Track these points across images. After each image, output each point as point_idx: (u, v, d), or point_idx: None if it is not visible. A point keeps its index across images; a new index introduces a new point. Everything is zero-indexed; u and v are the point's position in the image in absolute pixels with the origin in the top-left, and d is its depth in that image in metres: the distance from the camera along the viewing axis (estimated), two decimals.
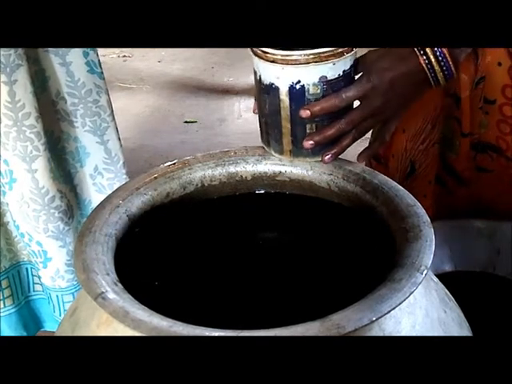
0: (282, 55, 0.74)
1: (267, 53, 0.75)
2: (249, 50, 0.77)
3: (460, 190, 1.07)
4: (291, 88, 0.75)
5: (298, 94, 0.75)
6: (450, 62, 0.77)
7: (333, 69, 0.74)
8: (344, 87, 0.76)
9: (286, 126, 0.77)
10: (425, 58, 0.77)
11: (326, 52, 0.73)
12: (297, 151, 0.79)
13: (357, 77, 0.79)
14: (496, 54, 0.94)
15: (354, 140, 0.80)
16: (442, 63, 0.77)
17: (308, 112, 0.75)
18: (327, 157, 0.78)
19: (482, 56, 0.95)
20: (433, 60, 0.77)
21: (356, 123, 0.78)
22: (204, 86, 2.91)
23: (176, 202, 0.78)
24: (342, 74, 0.75)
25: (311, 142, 0.77)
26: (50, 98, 1.13)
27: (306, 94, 0.75)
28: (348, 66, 0.76)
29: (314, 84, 0.75)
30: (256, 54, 0.76)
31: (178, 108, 2.71)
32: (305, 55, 0.73)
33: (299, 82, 0.74)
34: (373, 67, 0.78)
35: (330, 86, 0.75)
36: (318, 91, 0.75)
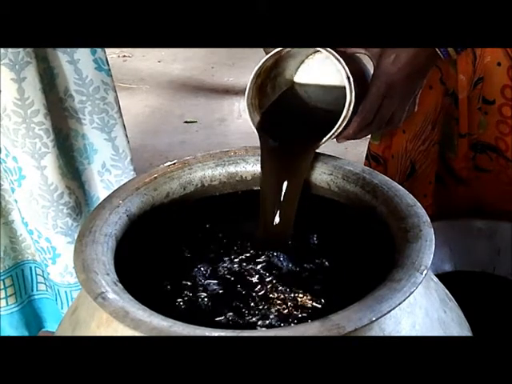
0: None
1: None
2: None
3: (459, 189, 1.07)
4: None
5: None
6: None
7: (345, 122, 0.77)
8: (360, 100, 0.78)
9: None
10: None
11: (334, 131, 0.76)
12: None
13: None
14: (495, 54, 0.93)
15: (391, 130, 0.83)
16: None
17: (343, 139, 0.80)
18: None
19: (481, 56, 0.94)
20: None
21: (386, 120, 0.81)
22: (204, 86, 2.91)
23: (176, 202, 0.78)
24: (352, 110, 0.76)
25: (344, 139, 0.82)
26: (59, 96, 1.14)
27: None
28: (352, 107, 0.76)
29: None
30: None
31: (178, 108, 2.71)
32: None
33: None
34: (383, 64, 0.78)
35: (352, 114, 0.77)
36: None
